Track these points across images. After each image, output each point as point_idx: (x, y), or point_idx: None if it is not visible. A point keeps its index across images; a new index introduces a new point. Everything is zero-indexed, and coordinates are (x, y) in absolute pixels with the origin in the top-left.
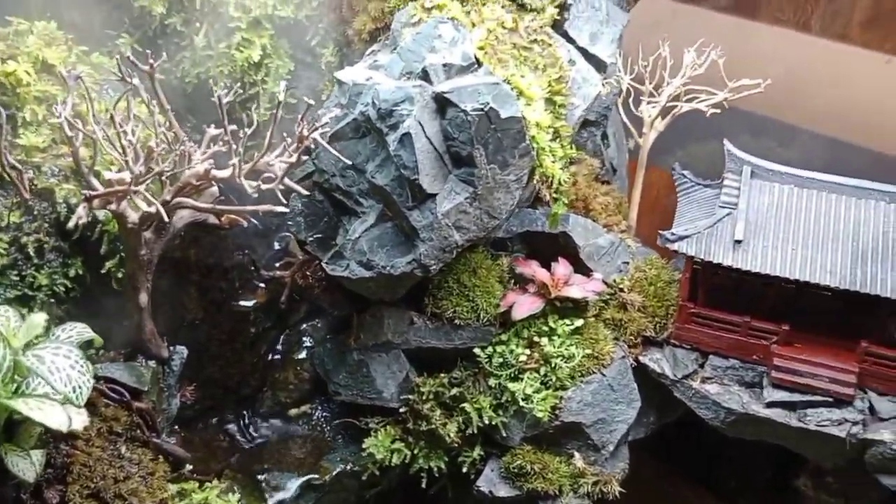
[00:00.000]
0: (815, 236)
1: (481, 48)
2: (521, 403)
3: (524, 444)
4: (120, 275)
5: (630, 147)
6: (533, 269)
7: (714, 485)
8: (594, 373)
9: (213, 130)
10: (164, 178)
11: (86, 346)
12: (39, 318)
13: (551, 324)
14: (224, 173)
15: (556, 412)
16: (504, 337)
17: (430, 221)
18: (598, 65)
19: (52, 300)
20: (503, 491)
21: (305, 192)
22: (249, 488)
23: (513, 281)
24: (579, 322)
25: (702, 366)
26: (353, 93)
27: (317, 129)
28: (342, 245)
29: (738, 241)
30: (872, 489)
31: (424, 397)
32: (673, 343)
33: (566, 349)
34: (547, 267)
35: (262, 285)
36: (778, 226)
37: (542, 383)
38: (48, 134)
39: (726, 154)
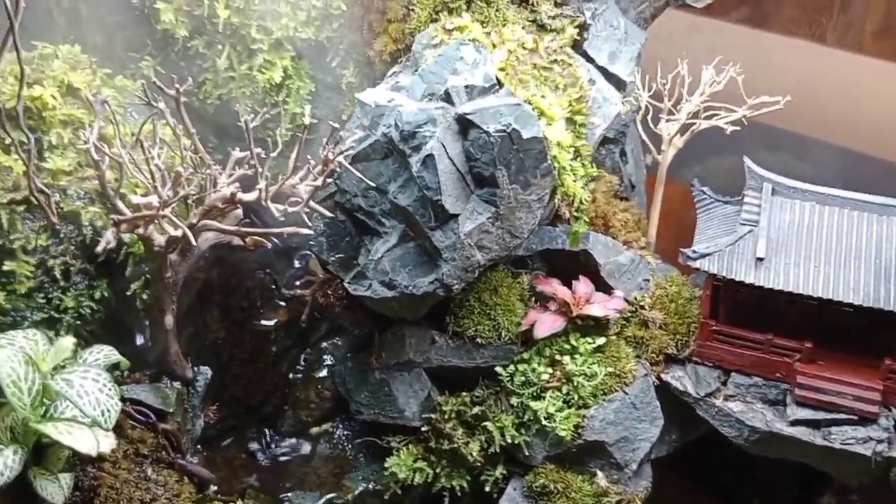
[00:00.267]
0: (837, 254)
1: (502, 69)
2: (544, 422)
3: (547, 463)
4: (145, 296)
5: (647, 163)
6: (554, 287)
7: (738, 503)
8: (616, 391)
9: (238, 153)
10: (189, 201)
11: (112, 368)
12: (68, 342)
13: (573, 342)
14: (250, 196)
15: (579, 431)
16: (526, 355)
17: (452, 241)
18: (618, 83)
19: (78, 322)
20: None
21: (330, 215)
22: None
23: (533, 299)
24: (601, 340)
25: (724, 383)
26: (375, 114)
27: (343, 152)
28: (364, 265)
29: (760, 259)
30: None
31: (446, 416)
32: (695, 360)
33: (588, 367)
34: (567, 285)
35: (283, 304)
36: (800, 243)
37: (564, 402)
38: (74, 157)
39: (747, 171)
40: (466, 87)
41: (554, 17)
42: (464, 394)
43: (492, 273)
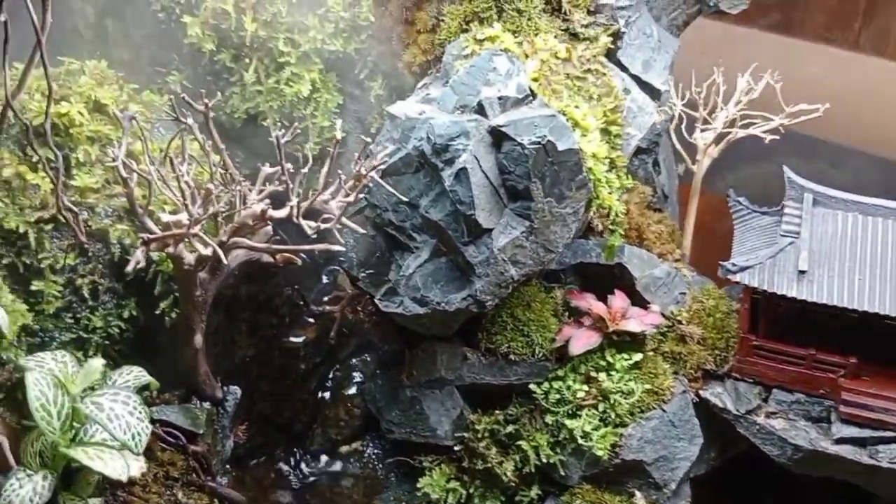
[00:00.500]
0: (882, 266)
1: (535, 79)
2: (580, 441)
3: (583, 483)
4: (174, 315)
5: (680, 172)
6: (589, 302)
7: None
8: (654, 408)
9: (267, 169)
10: (219, 218)
11: (142, 389)
12: (97, 364)
13: (609, 358)
14: (281, 213)
15: (616, 450)
16: (560, 372)
17: (486, 257)
18: (652, 92)
19: (107, 342)
20: None
21: (362, 231)
22: None
23: (566, 314)
24: (638, 356)
25: (765, 400)
26: (405, 127)
27: (375, 167)
28: (396, 281)
29: (803, 272)
30: None
31: (480, 435)
32: (734, 376)
33: (625, 384)
34: (602, 299)
35: (312, 320)
36: (843, 255)
37: (600, 420)
38: (101, 174)
39: (786, 181)
40: (500, 98)
41: (587, 26)
42: (497, 412)
43: (524, 288)
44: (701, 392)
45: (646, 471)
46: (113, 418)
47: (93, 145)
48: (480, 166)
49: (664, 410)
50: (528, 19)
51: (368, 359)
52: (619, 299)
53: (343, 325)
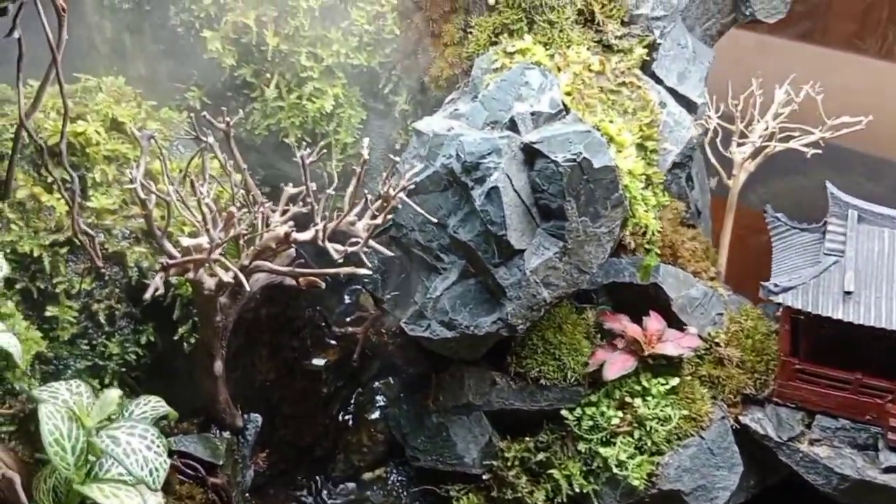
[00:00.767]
0: None
1: (567, 93)
2: (615, 470)
3: None
4: (193, 340)
5: (712, 186)
6: (623, 324)
7: None
8: (692, 435)
9: (290, 189)
10: (241, 241)
11: (160, 419)
12: (114, 395)
13: (644, 383)
14: (306, 236)
15: (653, 479)
16: (594, 398)
17: (517, 279)
18: (689, 105)
19: (123, 369)
20: None
21: (389, 253)
22: None
23: (599, 336)
24: (675, 381)
25: (808, 426)
26: (433, 144)
27: (404, 187)
28: (422, 304)
29: (848, 293)
30: None
31: (509, 463)
32: (775, 401)
33: (661, 410)
34: (636, 320)
35: (334, 342)
36: (891, 275)
37: (636, 448)
38: (119, 195)
39: (830, 197)
40: (532, 113)
41: (621, 37)
42: (527, 439)
43: (555, 309)
44: (740, 418)
45: (684, 501)
46: (130, 453)
47: (110, 165)
48: (512, 185)
49: (702, 437)
50: (560, 31)
51: (392, 382)
52: (654, 321)
53: (366, 347)
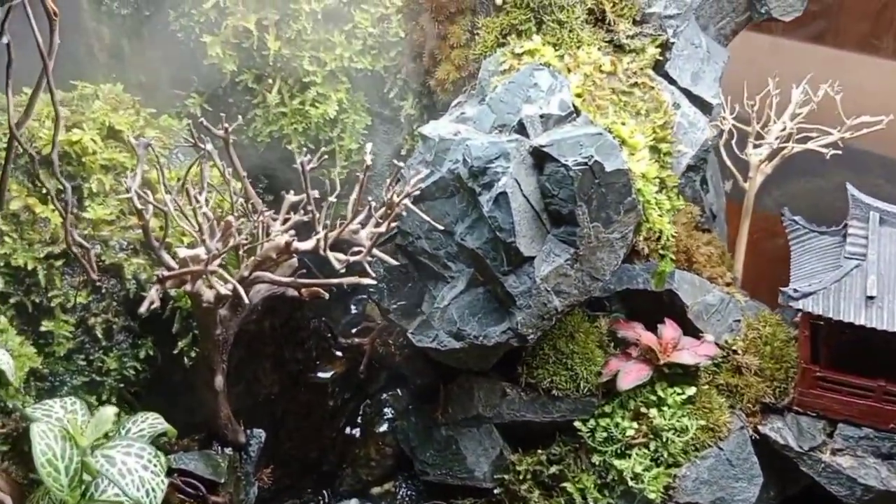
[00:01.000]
0: None
1: (578, 95)
2: (630, 483)
3: None
4: (193, 354)
5: (727, 189)
6: (637, 332)
7: None
8: (710, 446)
9: (291, 197)
10: (241, 251)
11: (158, 437)
12: (109, 413)
13: (660, 393)
14: (307, 245)
15: (670, 492)
16: (608, 408)
17: (527, 287)
18: (703, 106)
19: (121, 385)
20: None
21: (394, 262)
22: None
23: (612, 344)
24: (691, 390)
25: (830, 435)
26: (439, 149)
27: (409, 194)
28: (430, 313)
29: (871, 298)
30: None
31: (521, 476)
32: (796, 410)
33: (678, 421)
34: (650, 328)
35: (340, 354)
36: None
37: (652, 460)
38: (116, 205)
39: (850, 199)
40: (541, 116)
41: (633, 37)
42: (539, 451)
43: (567, 317)
44: (760, 427)
45: None
46: (125, 473)
47: (107, 174)
48: (521, 190)
49: (721, 448)
50: (570, 31)
51: (400, 394)
52: (670, 329)
53: (373, 358)
